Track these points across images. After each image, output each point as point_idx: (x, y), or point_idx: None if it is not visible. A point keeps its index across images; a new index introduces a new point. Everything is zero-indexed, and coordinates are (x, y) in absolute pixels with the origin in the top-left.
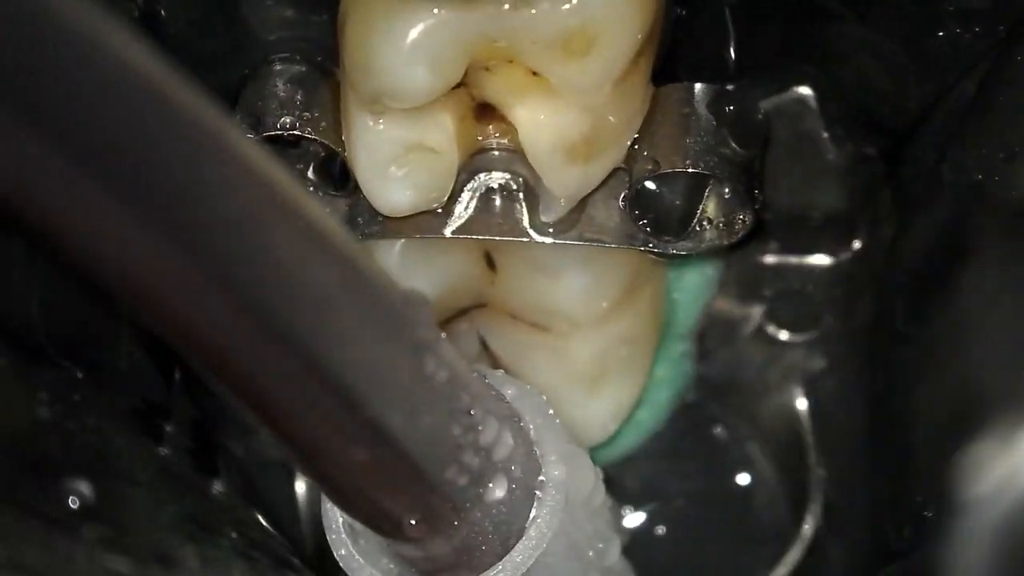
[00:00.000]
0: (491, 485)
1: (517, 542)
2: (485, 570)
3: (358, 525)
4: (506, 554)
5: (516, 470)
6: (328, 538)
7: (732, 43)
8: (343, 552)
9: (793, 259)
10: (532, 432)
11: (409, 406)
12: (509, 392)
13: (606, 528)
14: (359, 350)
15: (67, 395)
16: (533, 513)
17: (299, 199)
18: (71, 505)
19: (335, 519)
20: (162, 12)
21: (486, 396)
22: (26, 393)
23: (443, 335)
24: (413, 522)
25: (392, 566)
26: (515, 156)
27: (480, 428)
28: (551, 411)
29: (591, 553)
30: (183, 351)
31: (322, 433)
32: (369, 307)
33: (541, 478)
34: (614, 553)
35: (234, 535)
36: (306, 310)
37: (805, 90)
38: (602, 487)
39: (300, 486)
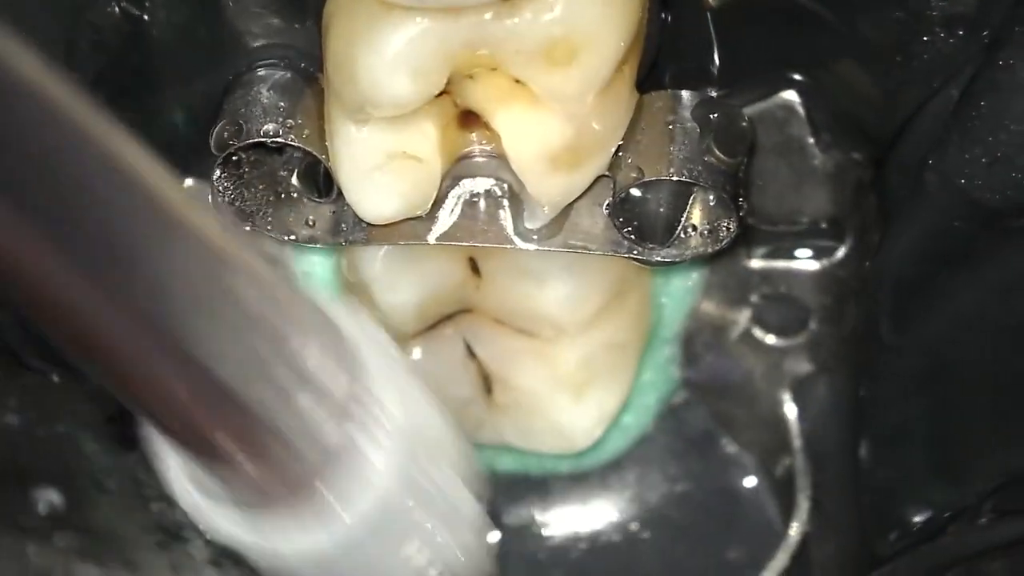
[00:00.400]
0: (324, 425)
1: (353, 481)
2: (327, 510)
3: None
4: (341, 492)
5: (351, 410)
6: (173, 487)
7: (717, 50)
8: (189, 500)
9: (780, 264)
10: (371, 372)
11: (224, 339)
12: (349, 331)
13: (454, 476)
14: (166, 278)
15: (39, 401)
16: (374, 455)
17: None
18: (41, 512)
19: (173, 467)
20: (145, 18)
21: (319, 335)
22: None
23: (258, 260)
24: (252, 465)
25: (233, 508)
26: (500, 162)
27: (311, 366)
28: (393, 351)
29: (436, 497)
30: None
31: (129, 363)
32: (175, 231)
33: (384, 419)
34: (466, 504)
35: (203, 543)
36: (103, 233)
37: (791, 96)
38: (451, 435)
39: None
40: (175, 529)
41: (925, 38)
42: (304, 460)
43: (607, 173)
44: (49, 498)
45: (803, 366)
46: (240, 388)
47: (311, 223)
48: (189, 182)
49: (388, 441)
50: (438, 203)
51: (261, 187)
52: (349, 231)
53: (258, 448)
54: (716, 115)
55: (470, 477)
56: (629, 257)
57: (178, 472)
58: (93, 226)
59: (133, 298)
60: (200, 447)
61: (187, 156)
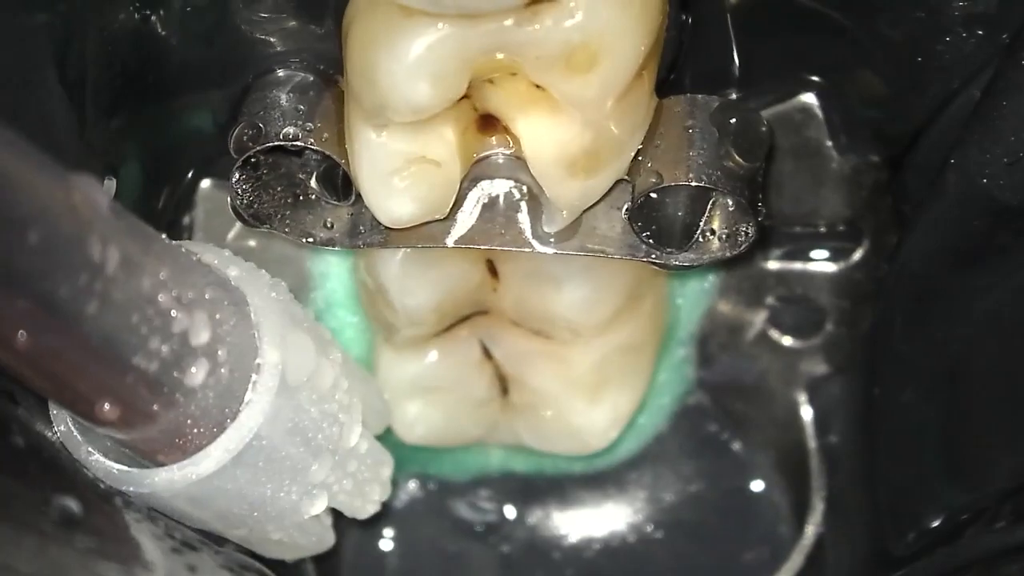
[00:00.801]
0: (192, 370)
1: (230, 418)
2: (196, 452)
3: None
4: (217, 428)
5: (222, 354)
6: (51, 415)
7: (736, 53)
8: (63, 429)
9: (796, 265)
10: (252, 314)
11: (71, 291)
12: (232, 273)
13: (339, 411)
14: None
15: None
16: (247, 396)
17: None
18: (58, 520)
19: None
20: (164, 23)
21: (183, 280)
22: (14, 408)
23: (119, 211)
24: (106, 407)
25: (110, 445)
26: (519, 163)
27: (171, 313)
28: (276, 293)
29: (320, 436)
30: None
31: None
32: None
33: (258, 361)
34: (352, 436)
35: (215, 552)
36: None
37: (809, 99)
38: (332, 370)
39: None
40: (186, 538)
41: (945, 39)
42: (172, 403)
43: (626, 177)
44: (67, 503)
45: (819, 367)
46: (98, 348)
47: (329, 225)
48: (207, 183)
49: (264, 384)
50: (457, 206)
51: (279, 189)
52: (367, 234)
53: (122, 395)
54: (735, 120)
55: (373, 413)
56: (647, 261)
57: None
58: None
59: None
60: (60, 398)
61: (206, 158)
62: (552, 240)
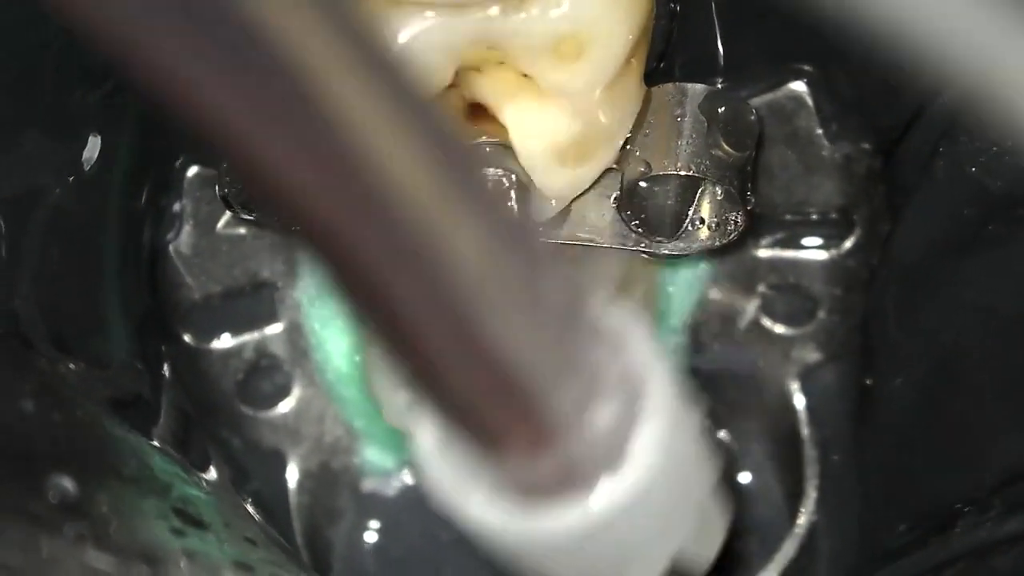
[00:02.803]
0: (596, 406)
1: (621, 461)
2: (587, 489)
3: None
4: (611, 473)
5: (621, 393)
6: (418, 463)
7: (725, 40)
8: (435, 474)
9: (789, 253)
10: (636, 353)
11: (525, 329)
12: (613, 313)
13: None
14: (482, 270)
15: (54, 387)
16: (639, 434)
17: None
18: (52, 500)
19: (427, 442)
20: None
21: (595, 317)
22: (12, 385)
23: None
24: (517, 439)
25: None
26: (507, 152)
27: (590, 347)
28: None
29: (694, 479)
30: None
31: (436, 356)
32: (494, 227)
33: (645, 399)
34: (711, 513)
35: (221, 528)
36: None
37: (799, 87)
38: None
39: (291, 475)
40: (192, 513)
41: None
42: (579, 444)
43: (615, 166)
44: (63, 485)
45: (811, 355)
46: (532, 383)
47: None
48: (195, 170)
49: (657, 421)
50: None
51: None
52: None
53: (534, 433)
54: (724, 108)
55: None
56: (636, 250)
57: (431, 446)
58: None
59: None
60: (475, 431)
61: (195, 144)
62: (541, 229)
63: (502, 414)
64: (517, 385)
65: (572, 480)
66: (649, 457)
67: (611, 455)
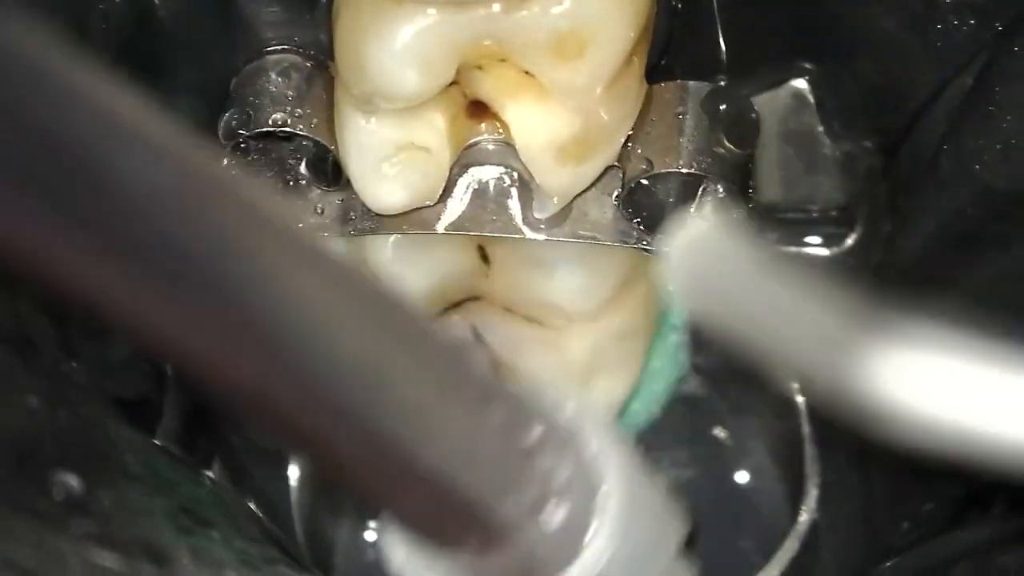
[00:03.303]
0: (548, 508)
1: (579, 553)
2: None
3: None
4: (569, 566)
5: (574, 491)
6: (382, 544)
7: (727, 37)
8: (399, 558)
9: (790, 250)
10: (591, 448)
11: (467, 456)
12: (568, 408)
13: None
14: (418, 413)
15: (60, 386)
16: (595, 525)
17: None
18: (57, 498)
19: (399, 555)
20: (155, 4)
21: (544, 423)
22: (17, 384)
23: (496, 367)
24: (469, 543)
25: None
26: (509, 149)
27: (537, 457)
28: (607, 424)
29: (658, 549)
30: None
31: (377, 482)
32: (431, 368)
33: (600, 492)
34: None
35: (225, 526)
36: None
37: (801, 84)
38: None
39: (293, 474)
40: (196, 512)
41: (938, 26)
42: (531, 543)
43: (616, 164)
44: (69, 482)
45: None
46: (478, 499)
47: (320, 211)
48: None
49: (611, 517)
50: (447, 192)
51: (269, 175)
52: (358, 220)
53: (486, 538)
54: (725, 106)
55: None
56: (638, 247)
57: (403, 556)
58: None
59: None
60: (426, 537)
61: None
62: (543, 226)
63: (450, 526)
64: (461, 501)
65: (528, 571)
66: (607, 547)
67: (569, 548)
